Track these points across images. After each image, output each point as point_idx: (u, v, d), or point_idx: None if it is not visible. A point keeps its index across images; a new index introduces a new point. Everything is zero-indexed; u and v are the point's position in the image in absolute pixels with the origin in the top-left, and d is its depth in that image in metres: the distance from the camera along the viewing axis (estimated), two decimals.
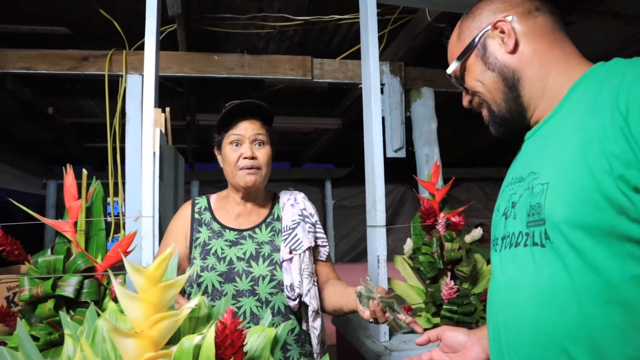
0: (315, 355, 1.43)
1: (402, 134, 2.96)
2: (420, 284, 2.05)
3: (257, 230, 1.50)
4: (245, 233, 1.49)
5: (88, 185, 1.54)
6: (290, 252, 1.43)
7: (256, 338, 0.94)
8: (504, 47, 0.90)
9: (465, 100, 1.01)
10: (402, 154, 2.94)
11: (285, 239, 1.46)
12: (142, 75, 2.66)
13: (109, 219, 2.58)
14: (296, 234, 1.46)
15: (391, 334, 1.86)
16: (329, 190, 6.64)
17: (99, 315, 0.95)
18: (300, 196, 1.58)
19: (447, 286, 1.89)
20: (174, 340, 0.88)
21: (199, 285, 1.43)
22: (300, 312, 1.45)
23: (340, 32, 2.94)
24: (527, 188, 0.83)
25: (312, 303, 1.40)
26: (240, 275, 1.41)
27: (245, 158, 1.45)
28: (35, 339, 1.23)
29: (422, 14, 2.55)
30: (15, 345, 1.10)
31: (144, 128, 1.59)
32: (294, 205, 1.54)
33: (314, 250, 1.52)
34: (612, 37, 3.13)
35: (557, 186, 0.76)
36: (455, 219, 1.97)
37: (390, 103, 2.98)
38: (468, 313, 1.88)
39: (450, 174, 2.34)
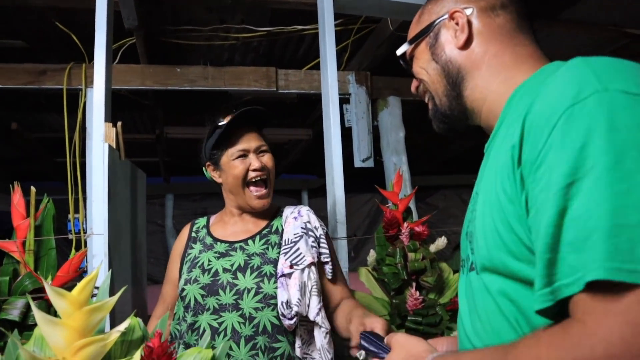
0: None
1: (370, 144, 2.95)
2: (385, 295, 2.02)
3: (249, 241, 1.42)
4: (236, 245, 1.41)
5: (38, 202, 1.48)
6: (291, 267, 1.32)
7: None
8: (454, 40, 0.82)
9: (413, 86, 0.94)
10: (369, 163, 2.93)
11: (287, 253, 1.36)
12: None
13: (69, 236, 2.51)
14: (298, 248, 1.36)
15: None
16: (305, 201, 6.63)
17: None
18: (305, 209, 1.49)
19: (412, 297, 1.86)
20: None
21: (182, 298, 1.37)
22: (294, 333, 1.34)
23: (305, 42, 2.92)
24: (472, 210, 0.78)
25: (325, 323, 1.30)
26: (224, 288, 1.32)
27: (254, 170, 1.40)
28: None
29: (385, 24, 2.55)
30: None
31: (93, 144, 1.55)
32: (297, 218, 1.45)
33: (319, 267, 1.41)
34: (575, 44, 3.18)
35: (480, 219, 0.71)
36: (418, 229, 1.94)
37: (357, 113, 2.97)
38: (433, 324, 1.85)
39: (427, 181, 2.33)
